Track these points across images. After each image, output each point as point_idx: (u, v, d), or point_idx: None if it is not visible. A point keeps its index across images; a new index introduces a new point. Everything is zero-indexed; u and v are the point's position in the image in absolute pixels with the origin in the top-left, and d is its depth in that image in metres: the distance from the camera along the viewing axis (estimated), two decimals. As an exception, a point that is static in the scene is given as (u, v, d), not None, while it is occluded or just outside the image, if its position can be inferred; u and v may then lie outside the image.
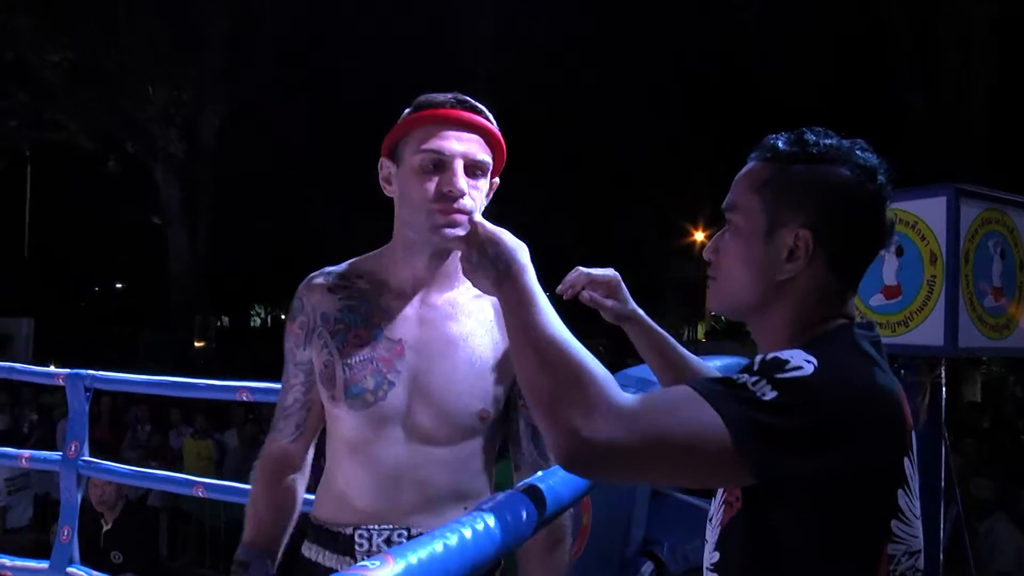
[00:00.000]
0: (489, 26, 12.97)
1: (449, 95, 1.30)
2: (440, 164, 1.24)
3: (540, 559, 1.37)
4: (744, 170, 1.03)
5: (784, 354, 0.87)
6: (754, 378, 0.83)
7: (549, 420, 0.83)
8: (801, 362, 0.85)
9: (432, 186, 1.23)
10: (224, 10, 11.04)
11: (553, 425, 0.82)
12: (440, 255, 1.32)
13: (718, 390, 0.82)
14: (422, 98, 1.31)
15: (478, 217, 1.12)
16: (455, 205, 1.23)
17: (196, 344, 13.21)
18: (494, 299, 1.34)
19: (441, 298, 1.34)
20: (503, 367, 1.33)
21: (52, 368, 2.82)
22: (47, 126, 9.81)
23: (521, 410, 1.37)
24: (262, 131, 12.66)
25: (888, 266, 2.24)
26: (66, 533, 2.65)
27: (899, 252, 2.22)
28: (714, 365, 2.54)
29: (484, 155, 1.28)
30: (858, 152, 0.98)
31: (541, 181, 14.42)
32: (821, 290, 0.96)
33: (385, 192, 1.35)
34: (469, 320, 1.34)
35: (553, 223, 14.74)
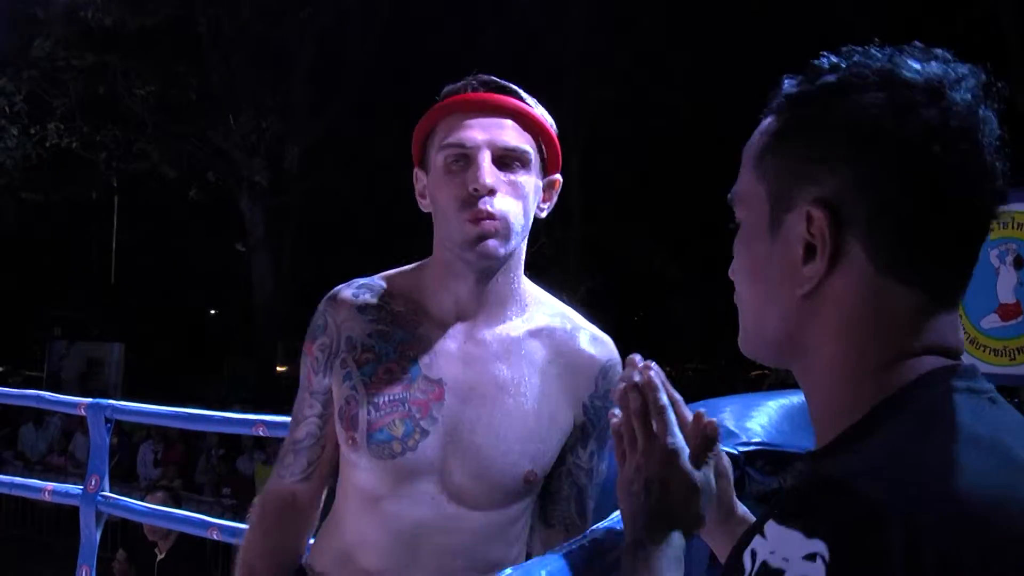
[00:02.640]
0: (574, 46, 12.86)
1: (470, 77, 1.08)
2: (464, 159, 1.05)
3: None
4: (750, 139, 0.68)
5: (776, 554, 0.52)
6: None
7: None
8: (801, 568, 0.50)
9: (457, 188, 1.05)
10: (308, 40, 11.25)
11: None
12: (485, 277, 1.08)
13: None
14: (443, 90, 1.11)
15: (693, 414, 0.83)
16: (485, 207, 1.00)
17: (278, 369, 13.41)
18: (556, 335, 1.13)
19: (491, 333, 1.11)
20: (556, 420, 1.10)
21: (76, 398, 2.71)
22: (134, 157, 10.16)
23: (571, 467, 1.14)
24: (347, 158, 12.85)
25: (1005, 279, 1.83)
26: (84, 573, 2.50)
27: (1019, 263, 1.81)
28: (793, 402, 2.16)
29: (519, 141, 1.05)
30: (907, 63, 0.59)
31: (631, 201, 14.15)
32: (877, 304, 0.60)
33: (422, 208, 1.14)
34: (523, 362, 1.10)
35: (639, 239, 14.40)
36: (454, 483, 1.08)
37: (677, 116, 12.54)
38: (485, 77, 1.10)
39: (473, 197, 1.03)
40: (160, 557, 4.12)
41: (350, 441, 1.09)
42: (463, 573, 1.10)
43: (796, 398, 2.17)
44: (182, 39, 10.26)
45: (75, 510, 2.55)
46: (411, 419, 1.07)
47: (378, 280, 1.18)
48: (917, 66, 0.60)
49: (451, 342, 1.11)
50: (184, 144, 10.27)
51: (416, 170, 1.14)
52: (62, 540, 6.51)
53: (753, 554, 0.55)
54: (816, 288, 0.61)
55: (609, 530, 0.93)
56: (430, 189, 1.11)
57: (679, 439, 0.78)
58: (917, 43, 0.62)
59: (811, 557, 0.50)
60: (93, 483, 2.51)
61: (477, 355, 1.10)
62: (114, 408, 2.49)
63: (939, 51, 0.61)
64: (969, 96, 0.58)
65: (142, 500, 3.30)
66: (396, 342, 1.11)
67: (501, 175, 1.05)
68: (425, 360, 1.09)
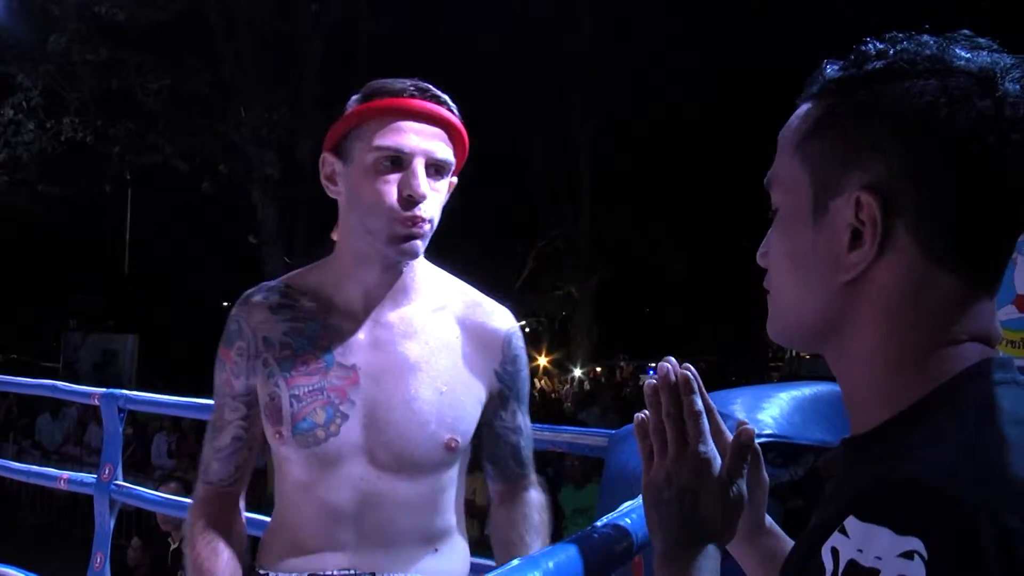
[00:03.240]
0: (583, 42, 12.80)
1: (407, 81, 1.12)
2: (398, 162, 1.10)
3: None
4: (787, 123, 0.67)
5: (866, 553, 0.51)
6: None
7: None
8: (898, 566, 0.49)
9: (389, 189, 1.10)
10: (318, 33, 11.25)
11: None
12: (394, 267, 1.15)
13: None
14: (375, 84, 1.14)
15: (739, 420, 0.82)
16: (416, 212, 1.07)
17: (290, 360, 13.42)
18: (457, 311, 1.19)
19: (396, 315, 1.17)
20: (471, 389, 1.17)
21: (89, 388, 2.74)
22: (147, 150, 10.21)
23: (499, 431, 1.22)
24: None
25: (1022, 270, 1.80)
26: (99, 560, 2.53)
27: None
28: (804, 394, 2.14)
29: (447, 153, 1.11)
30: (957, 52, 0.59)
31: (640, 194, 14.08)
32: (922, 292, 0.60)
33: (328, 192, 1.17)
34: (430, 339, 1.16)
35: (653, 237, 14.35)
36: (380, 460, 1.13)
37: (686, 111, 12.48)
38: (422, 84, 1.13)
39: (408, 202, 1.09)
40: (173, 547, 4.16)
41: (277, 435, 1.14)
42: (405, 546, 1.16)
43: (808, 390, 2.17)
44: (194, 33, 10.28)
45: (90, 498, 2.58)
46: (331, 405, 1.13)
47: (283, 282, 1.23)
48: (967, 55, 0.59)
49: (360, 329, 1.17)
50: (196, 137, 10.31)
51: (327, 154, 1.17)
52: (78, 528, 6.59)
53: (835, 552, 0.54)
54: (861, 275, 0.61)
55: (617, 523, 0.93)
56: (350, 181, 1.14)
57: (712, 448, 0.76)
58: (965, 31, 0.61)
59: (908, 555, 0.49)
60: (107, 472, 2.54)
61: (386, 338, 1.16)
62: (127, 398, 2.52)
63: (984, 40, 0.61)
64: (1019, 87, 0.58)
65: (155, 490, 3.33)
66: (309, 335, 1.16)
67: (429, 182, 1.11)
68: (338, 349, 1.15)
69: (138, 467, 8.47)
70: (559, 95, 13.10)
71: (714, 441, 0.77)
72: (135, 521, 6.31)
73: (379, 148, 1.10)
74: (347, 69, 11.87)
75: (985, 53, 0.60)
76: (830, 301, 0.63)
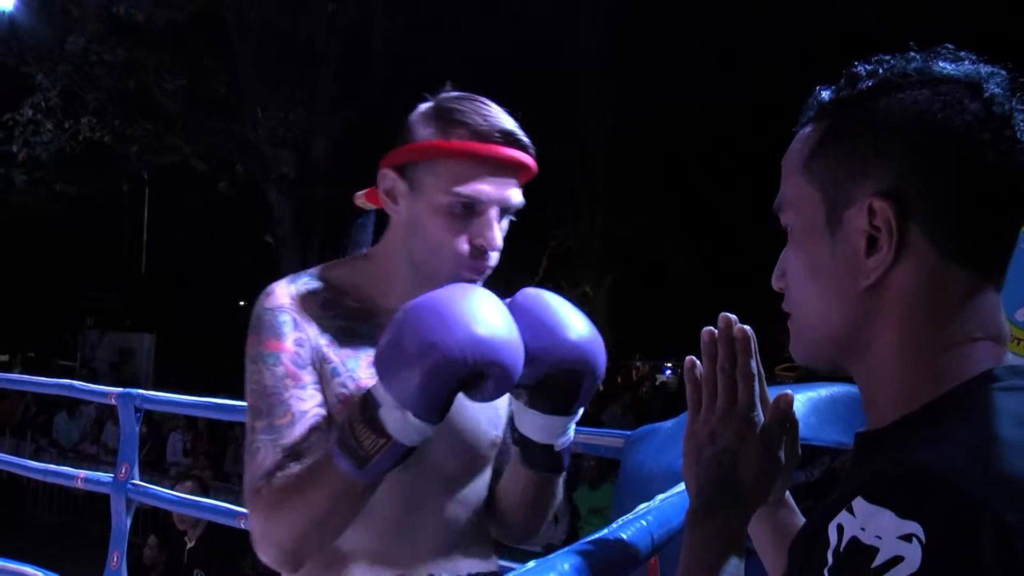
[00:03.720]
0: (598, 43, 12.77)
1: (492, 119, 1.05)
2: (471, 208, 1.06)
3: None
4: (789, 148, 0.71)
5: (867, 532, 0.54)
6: None
7: None
8: (896, 547, 0.53)
9: (461, 236, 1.07)
10: (334, 33, 11.29)
11: None
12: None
13: None
14: (455, 109, 1.07)
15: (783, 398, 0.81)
16: (487, 264, 1.06)
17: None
18: None
19: None
20: None
21: (106, 387, 2.76)
22: (164, 150, 10.29)
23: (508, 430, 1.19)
24: (374, 151, 12.88)
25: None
26: (115, 559, 2.55)
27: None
28: (821, 395, 2.12)
29: (520, 198, 1.08)
30: (941, 64, 0.65)
31: (654, 193, 14.04)
32: (938, 289, 0.64)
33: (385, 207, 1.13)
34: None
35: (655, 237, 14.31)
36: (435, 460, 1.11)
37: (701, 112, 12.44)
38: (508, 128, 1.07)
39: (479, 251, 1.07)
40: (190, 545, 4.18)
41: None
42: (466, 545, 1.15)
43: (824, 391, 2.15)
44: (210, 33, 10.35)
45: (107, 497, 2.60)
46: None
47: (318, 277, 1.16)
48: (951, 66, 0.65)
49: None
50: (213, 137, 10.38)
51: (389, 171, 1.11)
52: (95, 526, 6.64)
53: (840, 528, 0.57)
54: (880, 279, 0.64)
55: (634, 524, 0.93)
56: (414, 210, 1.09)
57: (760, 413, 0.78)
58: (948, 45, 0.67)
59: (907, 538, 0.53)
60: (123, 471, 2.55)
61: None
62: (143, 398, 2.53)
63: (964, 53, 0.67)
64: (1002, 90, 0.64)
65: (171, 489, 3.36)
66: (366, 336, 1.11)
67: (499, 227, 1.09)
68: None
69: (153, 465, 8.53)
70: (573, 95, 13.09)
71: (760, 408, 0.79)
72: (151, 519, 6.35)
73: (456, 195, 1.05)
74: (363, 69, 11.93)
75: (967, 63, 0.66)
76: (852, 309, 0.66)
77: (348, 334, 1.12)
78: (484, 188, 1.05)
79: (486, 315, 0.94)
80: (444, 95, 1.12)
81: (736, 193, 12.47)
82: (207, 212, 13.69)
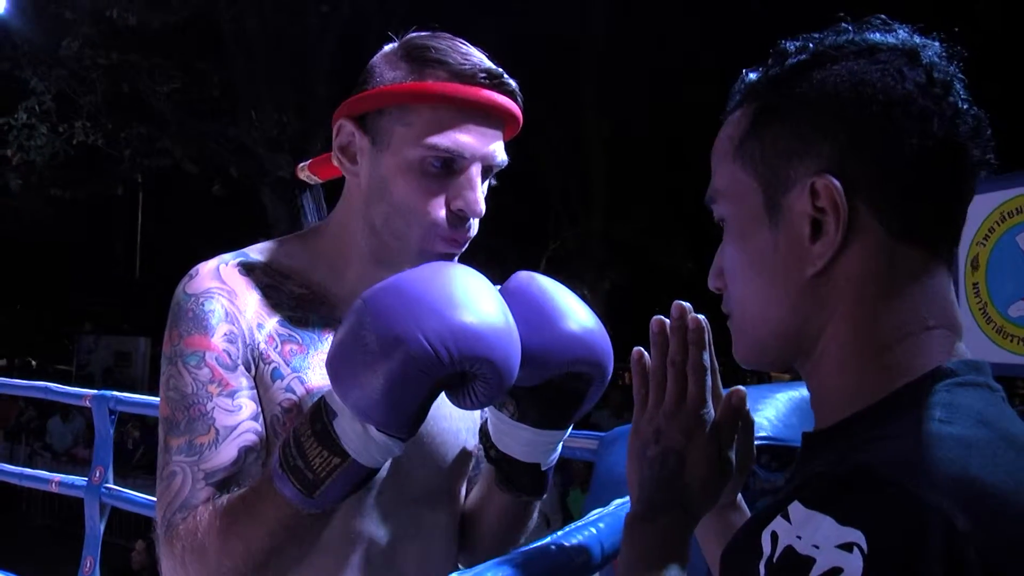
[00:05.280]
0: (598, 41, 12.76)
1: (474, 59, 0.87)
2: (449, 165, 0.88)
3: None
4: (718, 136, 0.67)
5: (804, 540, 0.49)
6: None
7: None
8: (835, 557, 0.47)
9: (436, 199, 0.88)
10: (329, 36, 11.27)
11: None
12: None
13: None
14: (431, 46, 0.89)
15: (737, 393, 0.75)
16: (466, 234, 0.87)
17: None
18: None
19: None
20: None
21: (80, 389, 2.72)
22: (158, 153, 10.27)
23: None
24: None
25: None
26: (89, 564, 2.51)
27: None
28: (802, 395, 2.08)
29: (504, 155, 0.89)
30: (875, 34, 0.61)
31: (652, 196, 14.01)
32: (889, 271, 0.59)
33: (341, 167, 0.94)
34: None
35: (662, 238, 14.27)
36: (414, 479, 0.95)
37: (703, 111, 12.42)
38: (494, 68, 0.90)
39: (458, 218, 0.89)
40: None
41: None
42: (438, 571, 0.97)
43: (806, 391, 2.11)
44: (204, 37, 10.33)
45: (102, 500, 2.55)
46: None
47: (254, 257, 0.97)
48: (886, 36, 0.62)
49: None
50: (207, 140, 10.35)
51: (347, 122, 0.93)
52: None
53: (774, 536, 0.52)
54: (827, 266, 0.60)
55: (582, 532, 0.88)
56: (378, 169, 0.91)
57: (710, 411, 0.73)
58: (881, 16, 0.63)
59: (847, 547, 0.47)
60: (97, 475, 2.51)
61: None
62: (117, 400, 2.49)
63: (896, 23, 0.63)
64: (939, 58, 0.61)
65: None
66: (315, 328, 0.93)
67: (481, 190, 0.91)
68: None
69: (148, 469, 8.49)
70: (571, 96, 13.07)
71: (712, 405, 0.74)
72: (143, 521, 6.31)
73: (433, 148, 0.87)
74: (358, 70, 11.89)
75: (901, 32, 0.62)
76: (798, 301, 0.61)
77: (295, 325, 0.92)
78: (466, 140, 0.86)
79: (471, 299, 0.74)
80: (413, 34, 0.94)
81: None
82: (201, 215, 13.68)
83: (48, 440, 10.19)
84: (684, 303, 0.75)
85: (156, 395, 2.80)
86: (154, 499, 2.75)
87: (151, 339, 13.22)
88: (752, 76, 0.66)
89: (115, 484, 2.56)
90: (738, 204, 0.64)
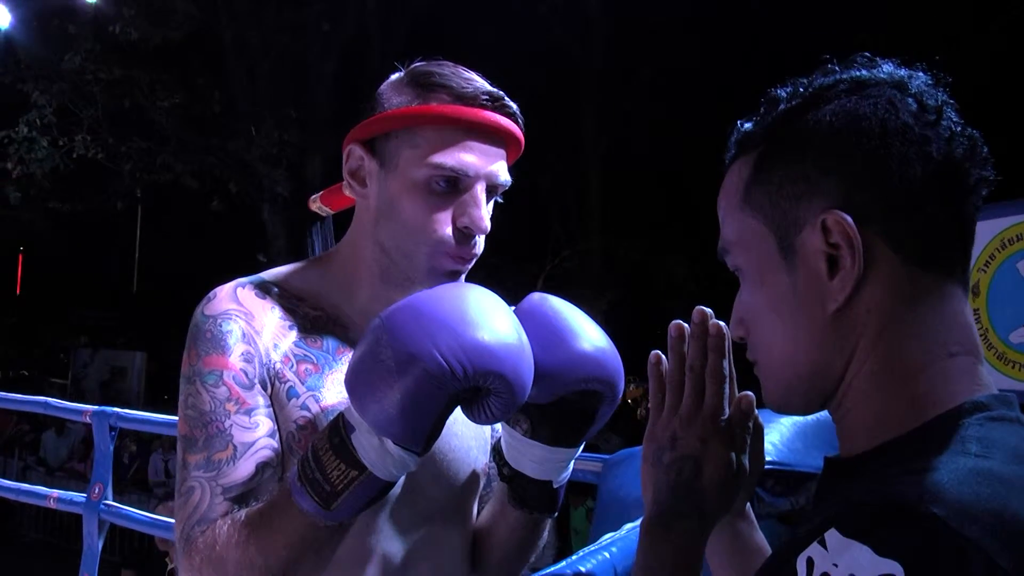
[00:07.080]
0: (596, 57, 12.84)
1: (476, 83, 0.91)
2: (454, 184, 0.92)
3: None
4: (722, 187, 0.68)
5: (841, 568, 0.49)
6: None
7: None
8: None
9: (442, 216, 0.91)
10: (329, 53, 11.33)
11: None
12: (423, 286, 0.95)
13: None
14: (435, 72, 0.92)
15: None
16: (472, 250, 0.91)
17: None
18: None
19: None
20: None
21: (81, 405, 2.71)
22: (157, 168, 10.30)
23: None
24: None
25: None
26: (86, 582, 2.49)
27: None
28: (807, 419, 2.08)
29: (507, 175, 0.93)
30: (862, 71, 0.63)
31: (647, 214, 14.05)
32: (909, 299, 0.59)
33: (350, 190, 0.98)
34: None
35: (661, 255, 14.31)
36: (427, 497, 0.97)
37: (700, 127, 12.48)
38: (494, 91, 0.94)
39: (464, 235, 0.92)
40: (171, 566, 4.11)
41: None
42: None
43: (811, 415, 2.11)
44: (205, 52, 10.39)
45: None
46: None
47: (269, 281, 1.01)
48: (873, 71, 0.64)
49: None
50: (207, 156, 10.37)
51: (356, 147, 0.96)
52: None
53: (810, 563, 0.52)
54: (848, 301, 0.60)
55: (596, 556, 0.88)
56: (386, 190, 0.95)
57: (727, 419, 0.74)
58: (866, 54, 0.65)
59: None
60: (96, 491, 2.50)
61: None
62: (118, 416, 2.48)
63: (879, 59, 0.65)
64: (926, 85, 0.63)
65: (153, 511, 3.29)
66: (331, 350, 0.96)
67: (487, 207, 0.95)
68: None
69: (142, 485, 8.45)
70: (571, 115, 13.14)
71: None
72: (139, 539, 6.26)
73: (438, 167, 0.91)
74: (358, 88, 11.97)
75: (887, 66, 0.64)
76: (823, 338, 0.61)
77: (311, 346, 0.96)
78: (469, 159, 0.91)
79: (484, 317, 0.78)
80: (417, 63, 0.99)
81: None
82: (200, 230, 13.68)
83: (42, 454, 10.12)
84: (706, 308, 0.75)
85: (152, 411, 2.79)
86: (151, 516, 2.72)
87: (147, 354, 13.20)
88: (747, 125, 0.67)
89: (113, 500, 2.55)
90: (752, 252, 0.65)
